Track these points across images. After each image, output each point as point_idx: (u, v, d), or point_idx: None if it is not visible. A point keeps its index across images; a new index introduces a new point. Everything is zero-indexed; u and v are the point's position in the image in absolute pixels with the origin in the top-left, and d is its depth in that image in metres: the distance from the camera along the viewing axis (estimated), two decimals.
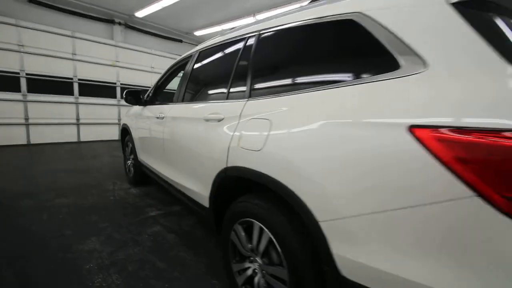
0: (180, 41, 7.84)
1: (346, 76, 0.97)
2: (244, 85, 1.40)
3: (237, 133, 1.29)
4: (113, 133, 6.76)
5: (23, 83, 5.27)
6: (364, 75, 0.91)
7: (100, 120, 6.44)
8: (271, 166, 1.06)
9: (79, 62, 5.93)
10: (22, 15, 5.17)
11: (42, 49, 5.39)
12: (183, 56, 2.36)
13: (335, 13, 1.03)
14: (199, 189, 1.63)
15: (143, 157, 2.75)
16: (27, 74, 5.28)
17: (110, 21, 6.38)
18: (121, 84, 6.71)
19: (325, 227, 0.87)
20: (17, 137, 5.34)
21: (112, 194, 2.91)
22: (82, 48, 5.94)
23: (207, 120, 1.57)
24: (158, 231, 2.14)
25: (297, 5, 1.46)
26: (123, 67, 6.68)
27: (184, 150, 1.80)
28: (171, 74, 2.63)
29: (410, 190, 0.69)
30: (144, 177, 3.10)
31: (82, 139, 6.19)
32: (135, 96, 2.70)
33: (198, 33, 7.08)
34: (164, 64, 7.47)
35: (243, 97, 1.38)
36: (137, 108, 2.92)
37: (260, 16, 5.42)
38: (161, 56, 7.43)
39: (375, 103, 0.81)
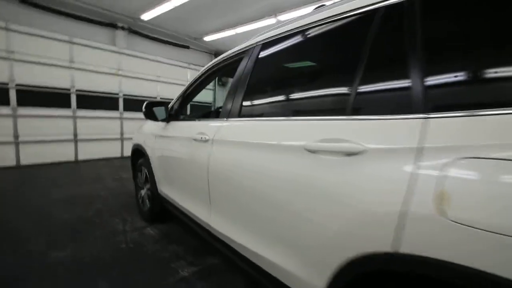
0: (187, 47, 7.24)
1: None
2: (409, 84, 0.73)
3: (429, 187, 0.62)
4: (115, 150, 6.05)
5: (13, 95, 4.56)
6: None
7: (100, 136, 5.73)
8: None
9: (77, 70, 5.26)
10: (12, 18, 4.51)
11: (35, 56, 4.72)
12: (226, 54, 1.70)
13: None
14: (299, 271, 0.94)
15: (166, 189, 2.06)
16: (17, 85, 4.59)
17: (113, 25, 5.75)
18: (124, 95, 6.04)
19: None
20: (5, 157, 4.60)
21: (123, 238, 2.20)
22: (81, 55, 5.29)
23: (313, 152, 0.89)
24: None
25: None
26: (127, 76, 6.03)
27: (260, 198, 1.11)
28: (205, 79, 1.97)
29: None
30: (163, 212, 2.40)
31: (80, 157, 5.46)
32: (157, 109, 2.03)
33: (208, 38, 6.49)
34: (170, 73, 6.85)
35: (410, 109, 0.71)
36: (156, 124, 2.24)
37: (282, 17, 4.84)
38: (167, 64, 6.80)
39: None
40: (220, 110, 2.47)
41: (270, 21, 5.01)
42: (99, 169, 4.89)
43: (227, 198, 1.32)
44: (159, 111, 2.07)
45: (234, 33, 5.73)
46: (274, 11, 4.78)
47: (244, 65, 1.43)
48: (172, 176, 1.94)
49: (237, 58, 1.57)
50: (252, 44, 1.44)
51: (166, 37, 6.65)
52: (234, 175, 1.24)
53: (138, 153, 2.61)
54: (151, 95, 6.56)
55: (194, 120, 1.87)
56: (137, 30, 6.14)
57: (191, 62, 7.37)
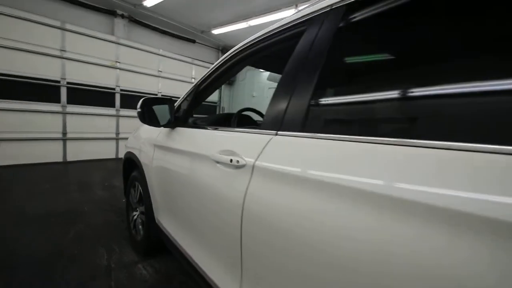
0: (193, 41, 6.66)
1: None
2: None
3: None
4: (110, 151, 5.46)
5: None
6: None
7: (93, 135, 5.13)
8: None
9: (69, 61, 4.67)
10: None
11: (20, 43, 4.13)
12: (265, 31, 1.12)
13: None
14: None
15: (166, 222, 1.48)
16: None
17: (111, 12, 5.17)
18: (121, 90, 5.45)
19: None
20: None
21: (107, 281, 1.61)
22: (74, 44, 4.70)
23: None
24: None
25: None
26: (125, 69, 5.43)
27: None
28: (228, 70, 1.38)
29: None
30: (159, 243, 1.82)
31: (69, 158, 4.86)
32: (158, 108, 1.44)
33: (216, 31, 5.91)
34: (173, 68, 6.27)
35: None
36: (156, 129, 1.66)
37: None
38: (170, 58, 6.22)
39: None
40: (244, 113, 1.90)
41: (289, 12, 4.44)
42: (89, 172, 4.29)
43: (280, 273, 0.73)
44: (161, 112, 1.48)
45: (246, 25, 5.16)
46: (295, 1, 4.21)
47: (308, 44, 0.85)
48: (176, 207, 1.35)
49: (290, 34, 0.99)
50: (323, 9, 0.85)
51: (170, 28, 6.07)
52: (304, 240, 0.65)
53: (131, 163, 2.03)
54: (151, 91, 5.98)
55: (211, 128, 1.28)
56: (138, 20, 5.56)
57: (196, 58, 6.80)
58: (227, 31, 5.72)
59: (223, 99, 7.92)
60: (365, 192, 0.55)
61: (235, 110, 7.56)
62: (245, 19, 5.04)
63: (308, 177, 0.67)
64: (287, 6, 4.37)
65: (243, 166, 0.87)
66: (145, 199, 1.74)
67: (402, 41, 0.68)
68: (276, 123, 0.85)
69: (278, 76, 2.22)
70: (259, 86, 7.18)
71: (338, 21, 0.79)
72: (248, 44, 1.22)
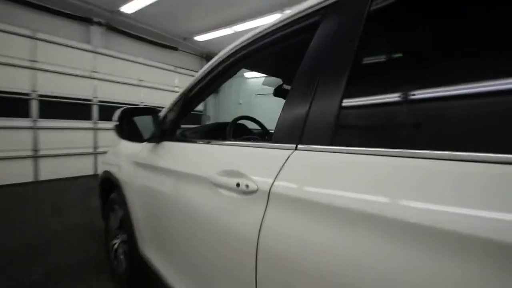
0: (176, 49, 6.44)
1: None
2: None
3: None
4: (87, 167, 5.06)
5: None
6: None
7: (68, 150, 4.73)
8: None
9: (41, 71, 4.32)
10: None
11: None
12: (270, 25, 0.95)
13: None
14: None
15: (154, 255, 1.24)
16: None
17: (87, 20, 4.87)
18: (99, 101, 5.11)
19: None
20: None
21: None
22: (46, 54, 4.35)
23: None
24: None
25: None
26: (103, 79, 5.11)
27: None
28: (225, 71, 1.18)
29: None
30: (146, 276, 1.56)
31: (42, 177, 4.44)
32: (139, 120, 1.22)
33: (200, 38, 5.73)
34: (155, 77, 6.01)
35: None
36: (139, 145, 1.43)
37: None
38: (152, 66, 5.95)
39: None
40: (239, 123, 1.70)
41: (275, 16, 4.33)
42: (64, 192, 3.91)
43: None
44: (143, 124, 1.26)
45: (232, 31, 5.02)
46: (281, 6, 4.11)
47: (330, 35, 0.67)
48: (166, 239, 1.12)
49: (299, 27, 0.82)
50: None
51: (151, 35, 5.82)
52: None
53: (110, 184, 1.77)
54: (133, 101, 5.67)
55: (204, 141, 1.08)
56: (116, 27, 5.28)
57: (179, 66, 6.57)
58: (211, 37, 5.56)
59: (209, 107, 7.70)
60: (432, 230, 0.38)
61: (221, 119, 7.33)
62: (229, 24, 4.89)
63: (350, 208, 0.49)
64: (272, 11, 4.27)
65: (254, 191, 0.67)
66: (127, 226, 1.49)
67: (467, 24, 0.52)
68: (295, 134, 0.66)
69: (276, 80, 2.05)
70: (245, 93, 7.03)
71: (368, 5, 0.62)
72: (245, 44, 1.03)
